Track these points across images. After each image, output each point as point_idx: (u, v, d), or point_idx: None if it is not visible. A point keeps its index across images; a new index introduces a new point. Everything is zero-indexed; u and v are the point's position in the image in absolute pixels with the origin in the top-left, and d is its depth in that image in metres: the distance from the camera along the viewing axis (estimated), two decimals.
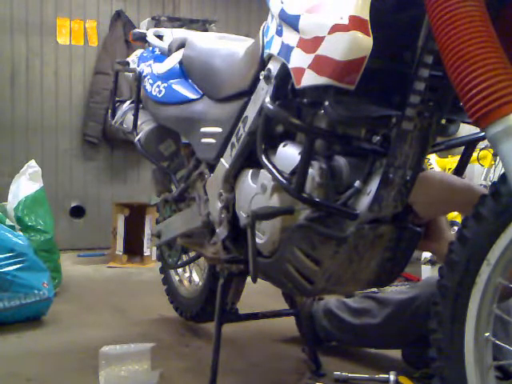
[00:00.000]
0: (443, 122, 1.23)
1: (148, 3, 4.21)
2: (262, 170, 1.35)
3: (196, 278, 2.29)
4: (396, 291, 1.95)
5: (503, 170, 0.86)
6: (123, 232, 3.55)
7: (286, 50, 1.19)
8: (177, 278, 2.32)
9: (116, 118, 2.13)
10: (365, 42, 1.02)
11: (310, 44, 1.10)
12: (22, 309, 2.21)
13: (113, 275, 3.30)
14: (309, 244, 1.25)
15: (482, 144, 2.45)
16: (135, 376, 1.64)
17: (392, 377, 1.65)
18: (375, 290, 2.18)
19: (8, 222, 2.65)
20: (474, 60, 0.82)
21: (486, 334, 0.93)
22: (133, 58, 2.11)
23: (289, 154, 1.29)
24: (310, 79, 1.11)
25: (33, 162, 2.90)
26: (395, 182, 1.17)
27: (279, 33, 1.24)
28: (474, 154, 2.26)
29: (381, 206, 1.18)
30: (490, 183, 2.86)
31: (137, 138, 1.94)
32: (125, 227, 3.55)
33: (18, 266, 2.23)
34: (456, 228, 2.26)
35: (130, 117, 2.03)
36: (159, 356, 1.80)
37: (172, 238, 1.99)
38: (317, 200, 1.21)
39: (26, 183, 2.80)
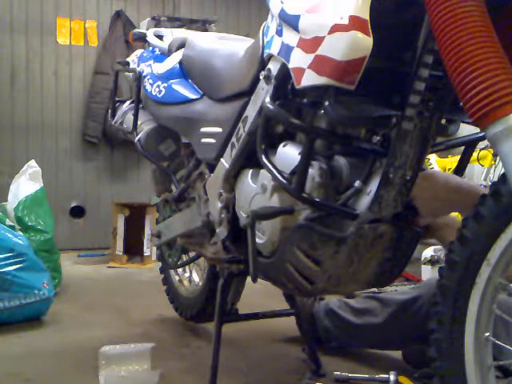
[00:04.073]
0: (443, 122, 1.24)
1: (148, 3, 4.21)
2: (261, 170, 1.35)
3: (196, 278, 2.29)
4: (398, 291, 1.95)
5: (503, 170, 0.86)
6: (123, 232, 3.55)
7: (286, 50, 1.19)
8: (177, 278, 2.32)
9: (116, 118, 2.13)
10: (365, 42, 1.02)
11: (310, 44, 1.10)
12: (21, 309, 2.21)
13: (113, 275, 3.30)
14: (309, 244, 1.25)
15: (482, 144, 2.45)
16: (135, 376, 1.64)
17: (392, 377, 1.65)
18: (375, 290, 2.19)
19: (8, 221, 2.65)
20: (474, 60, 0.82)
21: (486, 334, 0.93)
22: (133, 58, 2.10)
23: (289, 154, 1.29)
24: (310, 79, 1.11)
25: (33, 162, 2.90)
26: (395, 182, 1.17)
27: (279, 33, 1.23)
28: (474, 154, 2.26)
29: (381, 206, 1.18)
30: (490, 183, 2.86)
31: (137, 138, 1.94)
32: (125, 227, 3.55)
33: (18, 266, 2.23)
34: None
35: (130, 117, 2.03)
36: (159, 356, 1.80)
37: (172, 238, 1.99)
38: (317, 200, 1.21)
39: (26, 183, 2.80)
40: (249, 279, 1.41)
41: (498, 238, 0.89)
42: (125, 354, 1.66)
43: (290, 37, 1.18)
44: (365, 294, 1.98)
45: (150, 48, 2.04)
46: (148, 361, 1.67)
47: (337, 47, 1.04)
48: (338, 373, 1.71)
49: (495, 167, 2.96)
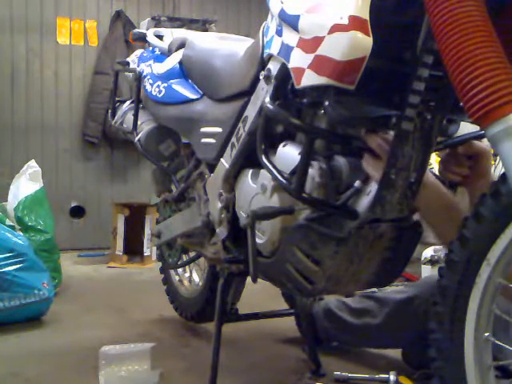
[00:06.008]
0: (443, 121, 1.23)
1: (148, 3, 4.21)
2: (261, 170, 1.35)
3: (196, 277, 2.29)
4: (395, 290, 1.94)
5: (503, 170, 0.86)
6: (123, 232, 3.55)
7: (286, 50, 1.19)
8: (177, 278, 2.32)
9: (116, 118, 2.13)
10: (365, 42, 1.02)
11: (310, 44, 1.10)
12: (21, 309, 2.21)
13: (113, 275, 3.30)
14: (309, 244, 1.25)
15: None
16: (135, 376, 1.64)
17: (392, 377, 1.65)
18: (375, 290, 2.18)
19: (8, 221, 2.65)
20: (474, 60, 0.82)
21: (486, 334, 0.93)
22: (133, 58, 2.10)
23: (289, 154, 1.29)
24: (309, 79, 1.11)
25: (33, 162, 2.90)
26: (398, 184, 1.16)
27: (279, 33, 1.23)
28: None
29: (384, 209, 1.17)
30: None
31: (137, 138, 1.94)
32: (125, 227, 3.55)
33: (18, 266, 2.23)
34: None
35: (130, 117, 2.03)
36: (159, 356, 1.80)
37: (172, 238, 1.99)
38: (317, 200, 1.21)
39: (26, 183, 2.80)
40: (249, 279, 1.41)
41: (498, 238, 0.89)
42: (125, 354, 1.66)
43: (290, 37, 1.18)
44: (362, 293, 1.98)
45: (150, 48, 2.04)
46: (148, 361, 1.67)
47: (337, 47, 1.04)
48: (338, 373, 1.72)
49: (495, 167, 2.96)
